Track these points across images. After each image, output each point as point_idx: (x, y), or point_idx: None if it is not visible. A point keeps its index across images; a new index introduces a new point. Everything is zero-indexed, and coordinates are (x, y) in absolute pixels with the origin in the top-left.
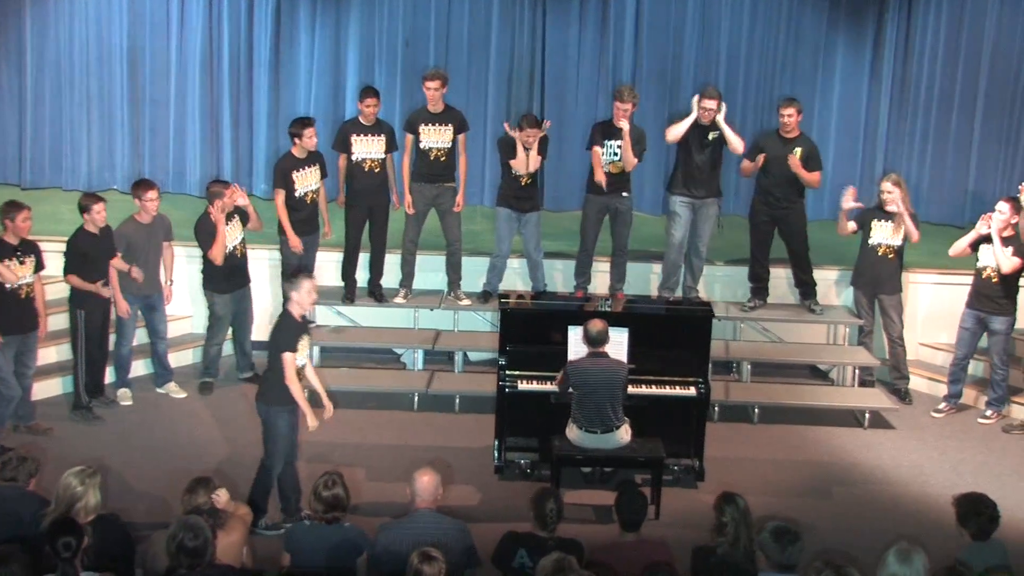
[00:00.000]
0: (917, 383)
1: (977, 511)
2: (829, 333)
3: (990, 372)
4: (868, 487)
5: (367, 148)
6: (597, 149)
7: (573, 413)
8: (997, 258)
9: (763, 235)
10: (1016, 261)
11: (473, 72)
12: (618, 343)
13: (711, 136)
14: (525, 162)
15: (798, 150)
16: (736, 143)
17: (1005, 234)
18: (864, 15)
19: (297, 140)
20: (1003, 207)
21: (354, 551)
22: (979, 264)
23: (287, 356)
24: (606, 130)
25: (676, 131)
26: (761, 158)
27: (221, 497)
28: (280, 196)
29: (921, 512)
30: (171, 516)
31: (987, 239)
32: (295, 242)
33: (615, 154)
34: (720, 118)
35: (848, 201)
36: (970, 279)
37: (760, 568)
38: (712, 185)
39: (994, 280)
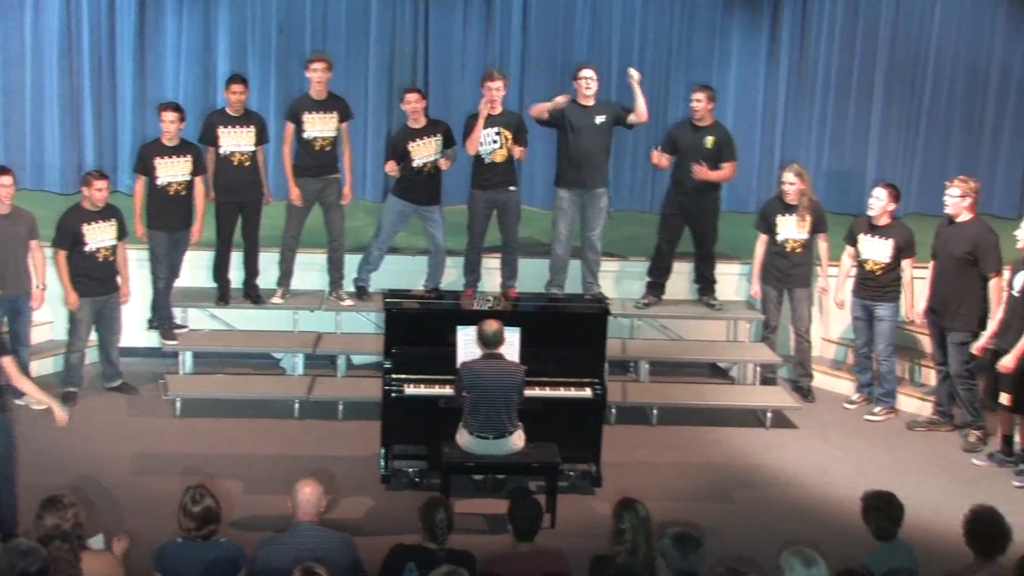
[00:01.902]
0: (818, 379)
1: (878, 507)
2: (729, 330)
3: (877, 365)
4: (771, 489)
5: (236, 140)
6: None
7: (465, 418)
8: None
9: (672, 229)
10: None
11: (352, 60)
12: (509, 343)
13: (598, 121)
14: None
15: (710, 139)
16: (643, 109)
17: (882, 221)
18: None
19: (162, 126)
20: (880, 193)
21: (231, 568)
22: (861, 256)
23: (5, 360)
24: (476, 119)
25: (538, 107)
26: (666, 159)
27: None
28: (140, 184)
29: (825, 514)
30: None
31: (865, 229)
32: (139, 231)
33: (495, 141)
34: (635, 84)
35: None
36: None
37: None
38: (600, 174)
39: (878, 274)
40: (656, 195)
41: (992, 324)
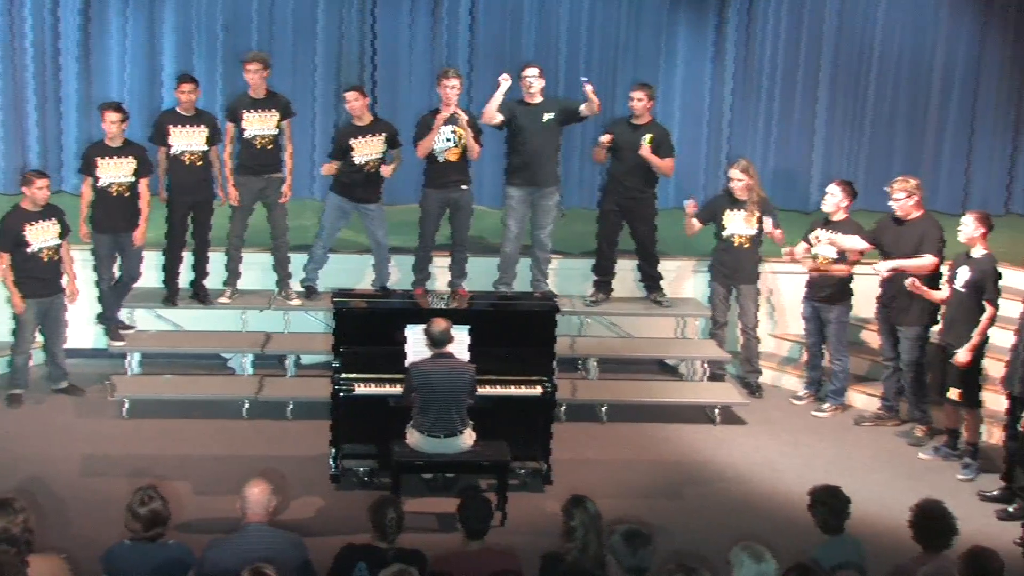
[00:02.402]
0: (766, 376)
1: (823, 502)
2: (678, 326)
3: (829, 363)
4: (720, 485)
5: (186, 140)
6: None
7: (414, 417)
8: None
9: (611, 226)
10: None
11: (299, 57)
12: (459, 341)
13: (545, 119)
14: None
15: (648, 136)
16: (595, 103)
17: (836, 217)
18: None
19: (104, 126)
20: (834, 189)
21: (180, 570)
22: (813, 252)
23: None
24: (431, 118)
25: (489, 108)
26: (608, 138)
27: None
28: (86, 185)
29: (774, 509)
30: None
31: (821, 225)
32: (82, 231)
33: (448, 140)
34: (587, 85)
35: (691, 208)
36: None
37: (611, 573)
38: (549, 173)
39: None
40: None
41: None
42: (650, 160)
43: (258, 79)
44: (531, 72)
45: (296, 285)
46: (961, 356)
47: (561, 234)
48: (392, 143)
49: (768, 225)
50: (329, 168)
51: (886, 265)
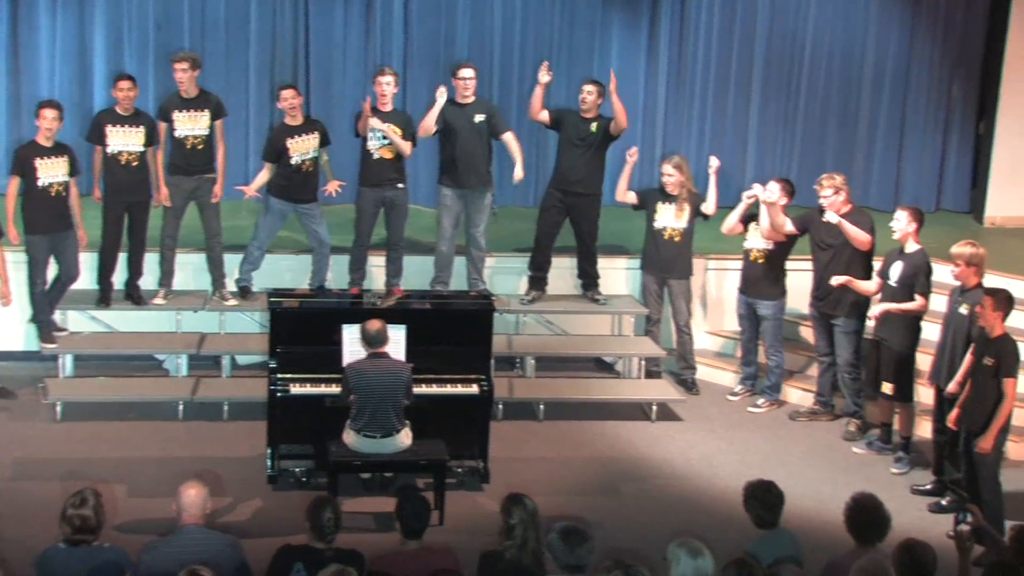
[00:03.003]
0: (702, 372)
1: (755, 496)
2: (614, 324)
3: (765, 359)
4: (657, 482)
5: (124, 140)
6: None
7: (351, 417)
8: (761, 223)
9: (552, 221)
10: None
11: (232, 56)
12: (395, 341)
13: (476, 120)
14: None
15: (595, 124)
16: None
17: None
18: None
19: (38, 123)
20: (772, 187)
21: (115, 573)
22: (746, 246)
23: None
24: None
25: (427, 121)
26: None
27: None
28: (13, 184)
29: (711, 505)
30: None
31: (755, 216)
32: (13, 234)
33: (384, 137)
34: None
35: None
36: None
37: (549, 571)
38: (480, 173)
39: (760, 262)
40: (539, 191)
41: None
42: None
43: (187, 78)
44: (467, 73)
45: (231, 285)
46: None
47: (497, 232)
48: (323, 141)
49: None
50: (254, 187)
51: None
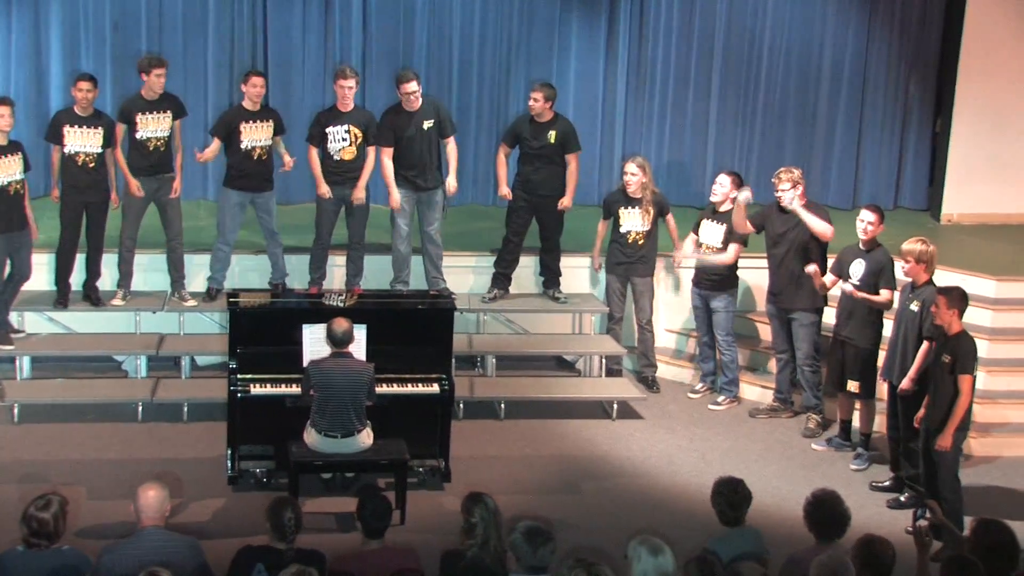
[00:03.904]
0: (662, 370)
1: (720, 492)
2: (574, 322)
3: (719, 354)
4: (618, 480)
5: (82, 140)
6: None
7: (312, 417)
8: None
9: (520, 220)
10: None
11: (190, 57)
12: (356, 340)
13: (426, 126)
14: None
15: (552, 133)
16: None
17: (724, 208)
18: None
19: None
20: (723, 180)
21: None
22: (700, 240)
23: None
24: (328, 117)
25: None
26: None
27: None
28: None
29: (672, 502)
30: None
31: (709, 215)
32: None
33: (344, 139)
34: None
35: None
36: None
37: (511, 570)
38: (432, 175)
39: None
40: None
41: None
42: (568, 201)
43: (164, 83)
44: (410, 88)
45: (191, 286)
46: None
47: (455, 231)
48: (278, 130)
49: (671, 222)
50: (208, 154)
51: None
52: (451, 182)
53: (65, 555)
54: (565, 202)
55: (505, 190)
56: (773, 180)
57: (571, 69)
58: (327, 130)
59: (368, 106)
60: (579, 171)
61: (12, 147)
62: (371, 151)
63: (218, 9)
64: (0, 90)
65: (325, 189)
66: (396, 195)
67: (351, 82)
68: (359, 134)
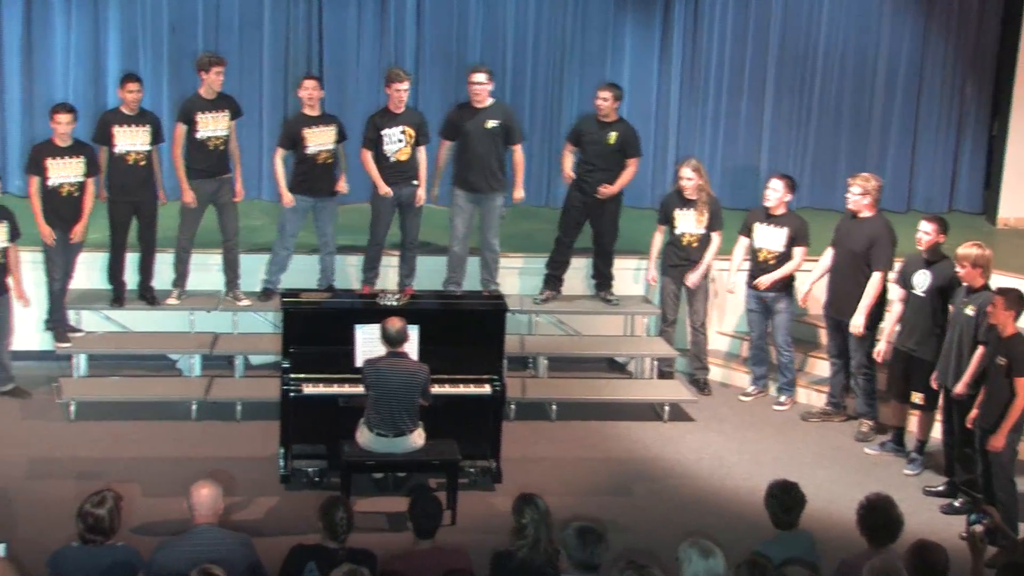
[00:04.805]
0: (714, 372)
1: (773, 495)
2: (626, 324)
3: (776, 356)
4: (669, 482)
5: (131, 140)
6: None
7: (365, 416)
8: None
9: (573, 222)
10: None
11: (246, 57)
12: (409, 340)
13: (489, 125)
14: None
15: (613, 134)
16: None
17: (778, 212)
18: None
19: (52, 126)
20: (776, 184)
21: (128, 572)
22: (755, 245)
23: None
24: (382, 120)
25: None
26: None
27: None
28: (33, 184)
29: (723, 505)
30: None
31: (766, 217)
32: (46, 232)
33: (399, 140)
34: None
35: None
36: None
37: (562, 570)
38: (492, 177)
39: (771, 262)
40: (551, 190)
41: (890, 322)
42: (612, 192)
43: (222, 81)
44: (479, 78)
45: (245, 286)
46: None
47: (507, 232)
48: (340, 136)
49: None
50: (284, 188)
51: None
52: (518, 192)
53: (119, 551)
54: (606, 189)
55: (569, 172)
56: (848, 179)
57: (625, 71)
58: (382, 132)
59: (422, 106)
60: (633, 176)
61: (73, 150)
62: (422, 151)
63: (274, 11)
64: (59, 91)
65: (387, 189)
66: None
67: (404, 84)
68: (413, 135)
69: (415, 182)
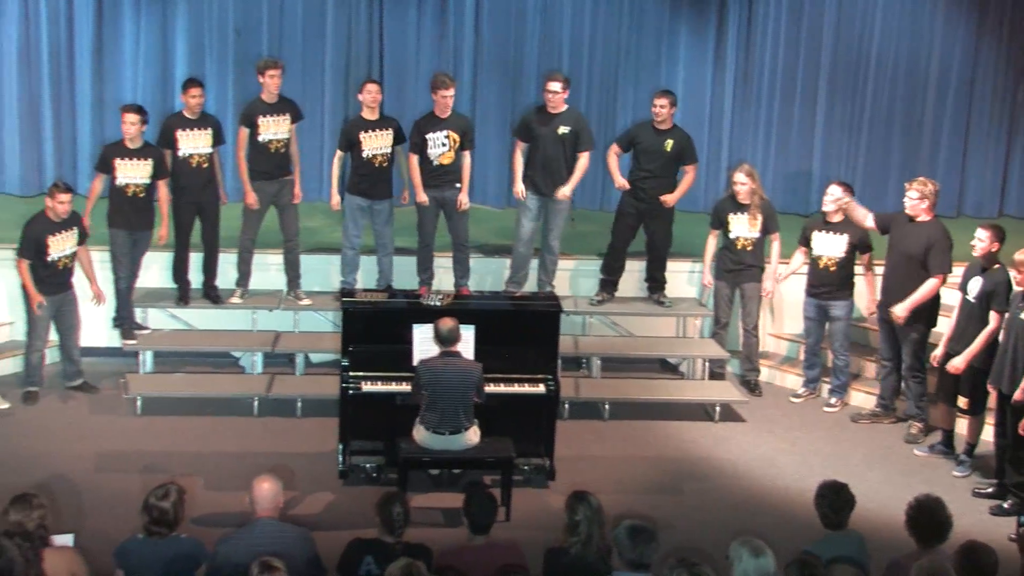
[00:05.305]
0: (765, 374)
1: (824, 496)
2: (678, 326)
3: (832, 360)
4: (720, 482)
5: (194, 143)
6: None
7: (422, 414)
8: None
9: (627, 227)
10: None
11: (308, 61)
12: (464, 340)
13: (560, 131)
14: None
15: (669, 142)
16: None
17: (836, 218)
18: (706, 3)
19: (122, 127)
20: (834, 190)
21: (191, 564)
22: (814, 253)
23: None
24: (427, 124)
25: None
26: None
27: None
28: (97, 181)
29: (773, 505)
30: None
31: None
32: (86, 223)
33: (443, 145)
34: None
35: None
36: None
37: (614, 567)
38: (562, 182)
39: (831, 269)
40: (606, 195)
41: (948, 327)
42: (675, 201)
43: (279, 84)
44: (554, 86)
45: (305, 285)
46: (958, 362)
47: (565, 234)
48: (398, 139)
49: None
50: (334, 192)
51: (903, 307)
52: (564, 189)
53: (183, 543)
54: (668, 198)
55: (621, 181)
56: (906, 184)
57: (679, 77)
58: (426, 136)
59: (479, 110)
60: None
61: (143, 152)
62: (467, 156)
63: (336, 16)
64: (128, 94)
65: (424, 197)
66: (520, 187)
67: (450, 91)
68: (457, 139)
69: (457, 185)
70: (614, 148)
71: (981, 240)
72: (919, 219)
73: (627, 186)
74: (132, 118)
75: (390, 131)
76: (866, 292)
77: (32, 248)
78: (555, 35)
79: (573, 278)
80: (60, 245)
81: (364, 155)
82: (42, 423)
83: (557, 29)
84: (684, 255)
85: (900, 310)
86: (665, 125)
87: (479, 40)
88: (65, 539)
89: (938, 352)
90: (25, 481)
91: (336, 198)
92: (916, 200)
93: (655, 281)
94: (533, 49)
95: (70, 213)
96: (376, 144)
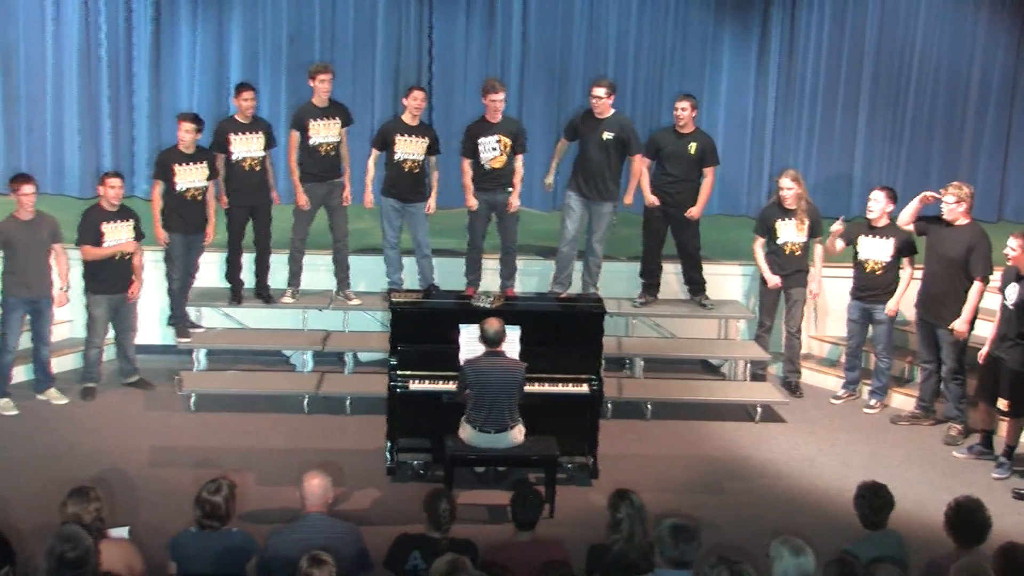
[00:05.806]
0: (805, 375)
1: (863, 496)
2: (720, 328)
3: (875, 362)
4: (760, 481)
5: (246, 146)
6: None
7: (468, 413)
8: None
9: (656, 232)
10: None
11: (359, 67)
12: (510, 341)
13: (605, 137)
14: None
15: (693, 145)
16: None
17: (881, 223)
18: (750, 9)
19: (179, 134)
20: (878, 196)
21: (242, 556)
22: (860, 257)
23: None
24: (478, 129)
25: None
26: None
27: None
28: (157, 188)
29: (813, 505)
30: (52, 527)
31: (870, 229)
32: (160, 235)
33: (494, 149)
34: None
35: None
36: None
37: (656, 565)
38: (603, 187)
39: (878, 273)
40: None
41: (991, 329)
42: (700, 209)
43: (329, 88)
44: (599, 92)
45: (355, 285)
46: (958, 325)
47: (608, 237)
48: (433, 149)
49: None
50: (368, 189)
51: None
52: (626, 199)
53: (234, 536)
54: (694, 211)
55: (652, 199)
56: (941, 190)
57: (722, 83)
58: (478, 141)
59: (525, 115)
60: (721, 184)
61: (199, 156)
62: (519, 159)
63: (386, 22)
64: (184, 100)
65: (474, 201)
66: (551, 178)
67: (501, 95)
68: (508, 143)
69: (509, 189)
70: (645, 163)
71: (1013, 249)
72: (957, 223)
73: (657, 203)
74: (188, 126)
75: (426, 140)
76: (899, 291)
77: (90, 234)
78: (601, 41)
79: (617, 280)
80: (115, 234)
81: (396, 157)
82: (99, 418)
83: (603, 35)
84: (727, 258)
85: (960, 325)
86: (687, 128)
87: (526, 46)
88: (121, 531)
89: (983, 352)
90: (82, 475)
91: (370, 196)
92: (953, 204)
93: (694, 283)
94: (579, 55)
95: (124, 206)
96: (409, 149)
